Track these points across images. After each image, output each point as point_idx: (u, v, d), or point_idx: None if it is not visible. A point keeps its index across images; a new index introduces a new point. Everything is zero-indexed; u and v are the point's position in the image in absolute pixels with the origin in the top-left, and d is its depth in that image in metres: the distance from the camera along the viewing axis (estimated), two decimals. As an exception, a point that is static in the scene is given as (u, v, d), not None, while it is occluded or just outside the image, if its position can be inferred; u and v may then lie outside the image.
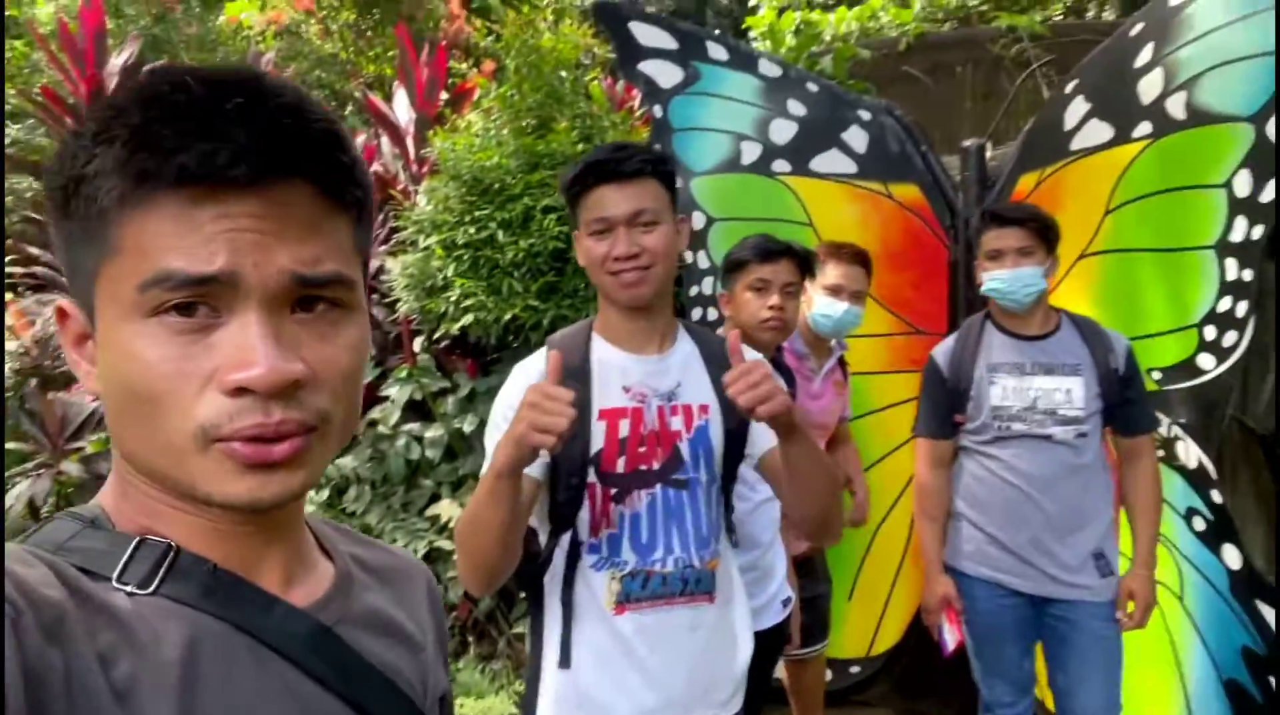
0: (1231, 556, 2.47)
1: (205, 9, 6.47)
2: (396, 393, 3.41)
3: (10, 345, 4.20)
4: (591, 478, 1.49)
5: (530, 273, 3.23)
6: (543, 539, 1.54)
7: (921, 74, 4.30)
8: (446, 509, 3.23)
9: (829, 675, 2.90)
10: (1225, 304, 2.48)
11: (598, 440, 1.50)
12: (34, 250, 4.52)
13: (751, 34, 5.30)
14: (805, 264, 2.26)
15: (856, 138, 3.18)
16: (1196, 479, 2.54)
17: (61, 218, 0.57)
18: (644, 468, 1.51)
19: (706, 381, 1.58)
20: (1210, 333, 2.50)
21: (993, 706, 2.39)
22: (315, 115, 0.57)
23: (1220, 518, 2.50)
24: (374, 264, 3.71)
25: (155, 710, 0.52)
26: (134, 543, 0.57)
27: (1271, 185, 2.41)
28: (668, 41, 3.19)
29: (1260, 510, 2.87)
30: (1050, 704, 2.55)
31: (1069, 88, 2.89)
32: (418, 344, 3.56)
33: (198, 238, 0.53)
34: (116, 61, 4.64)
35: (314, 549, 0.69)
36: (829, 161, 3.19)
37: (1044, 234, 2.29)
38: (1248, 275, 2.45)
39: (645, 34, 3.20)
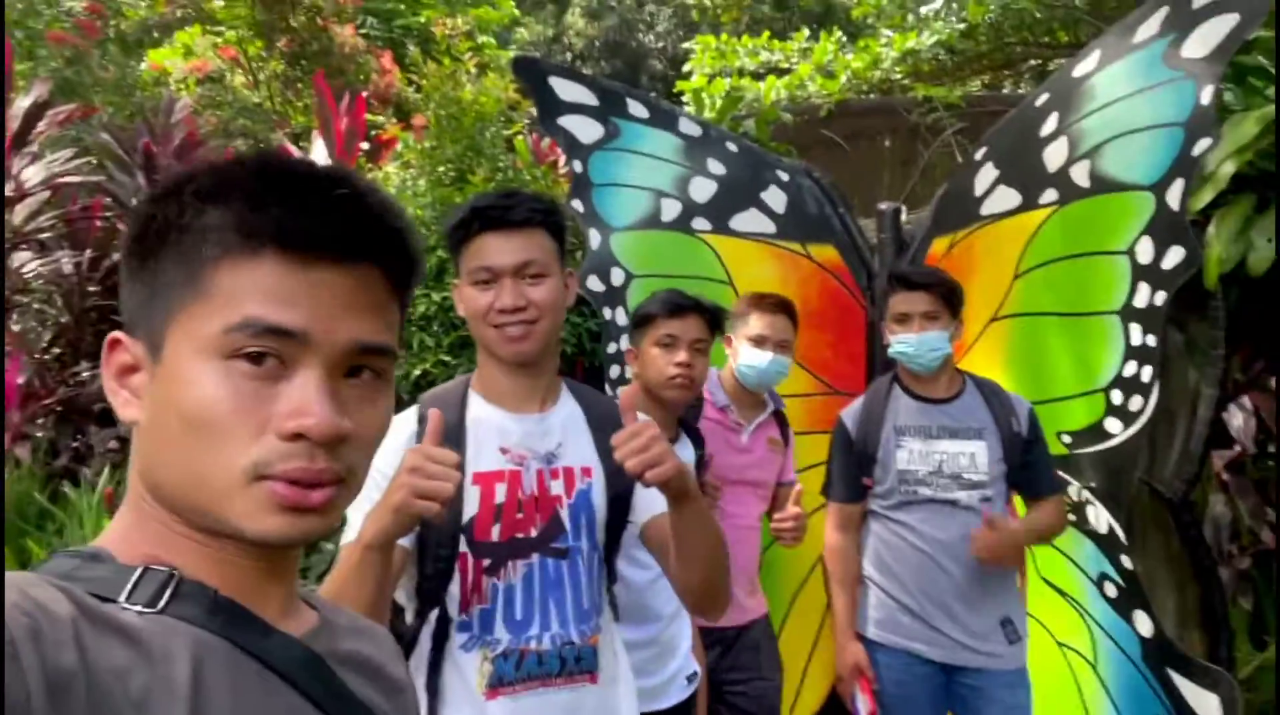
0: (1143, 624, 2.45)
1: (125, 54, 6.32)
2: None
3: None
4: (463, 548, 1.38)
5: (442, 327, 3.14)
6: (408, 617, 1.41)
7: (842, 139, 4.38)
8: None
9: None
10: (1131, 368, 2.50)
11: (471, 506, 1.39)
12: None
13: (684, 98, 5.37)
14: (715, 320, 2.21)
15: (775, 198, 3.19)
16: (1107, 544, 2.53)
17: (146, 259, 0.64)
18: (520, 536, 1.40)
19: (589, 443, 1.49)
20: (1117, 397, 2.52)
21: (907, 780, 2.31)
22: (395, 214, 0.68)
23: (1131, 584, 2.48)
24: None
25: None
26: (139, 570, 0.61)
27: (1172, 252, 2.45)
28: (587, 97, 3.18)
29: (1170, 576, 2.87)
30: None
31: (979, 154, 2.94)
32: (324, 399, 3.42)
33: (285, 295, 0.61)
34: (23, 103, 4.47)
35: (299, 599, 0.73)
36: (748, 220, 3.18)
37: (949, 298, 2.30)
38: (1151, 340, 2.47)
39: (565, 89, 3.18)
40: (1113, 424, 2.52)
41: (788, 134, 4.42)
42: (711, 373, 2.56)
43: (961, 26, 5.12)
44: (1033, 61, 5.95)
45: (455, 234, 1.48)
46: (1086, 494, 2.58)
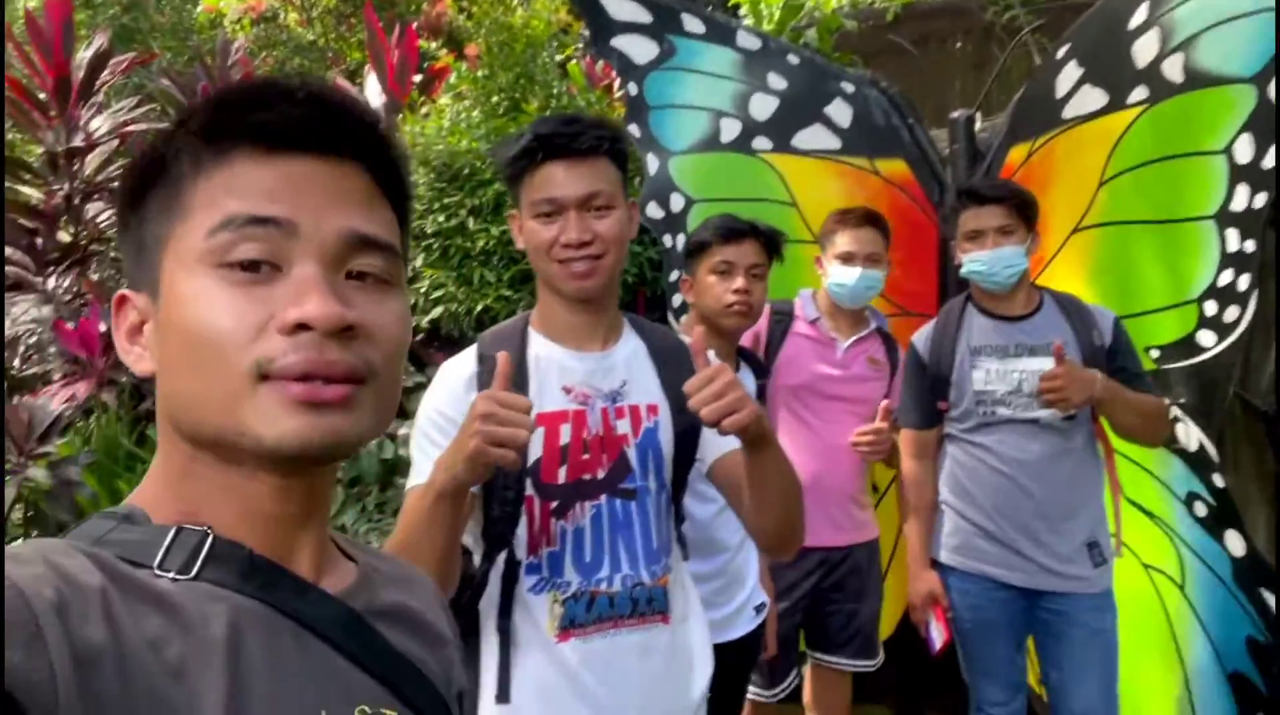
0: (1234, 543, 2.35)
1: (182, -2, 6.33)
2: (369, 388, 3.30)
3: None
4: (529, 491, 1.35)
5: (502, 261, 3.12)
6: (476, 560, 1.39)
7: (910, 45, 4.15)
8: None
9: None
10: (1226, 277, 2.35)
11: (535, 449, 1.35)
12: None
13: (741, 10, 5.15)
14: (771, 244, 2.14)
15: (840, 112, 3.05)
16: (1197, 462, 2.41)
17: (136, 208, 0.63)
18: (587, 477, 1.36)
19: (655, 380, 1.44)
20: (1211, 308, 2.38)
21: (984, 706, 2.28)
22: (371, 117, 0.65)
23: (1222, 503, 2.37)
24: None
25: (210, 689, 0.53)
26: (172, 532, 0.59)
27: (1274, 150, 2.27)
28: (641, 15, 3.06)
29: (1264, 493, 2.75)
30: (1046, 699, 2.45)
31: (1060, 53, 2.75)
32: (391, 337, 3.45)
33: (264, 189, 0.59)
34: (85, 53, 4.52)
35: (335, 549, 0.71)
36: (812, 137, 3.06)
37: (1023, 211, 2.18)
38: (1250, 246, 2.31)
39: (618, 8, 3.06)
40: (1205, 336, 2.38)
41: (851, 42, 4.20)
42: (805, 290, 2.51)
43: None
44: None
45: (516, 163, 1.40)
46: (1176, 411, 2.45)
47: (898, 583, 2.80)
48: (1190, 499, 2.42)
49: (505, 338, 1.43)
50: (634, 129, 3.09)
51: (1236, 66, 2.32)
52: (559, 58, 3.72)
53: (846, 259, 2.36)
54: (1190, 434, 2.43)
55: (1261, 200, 2.29)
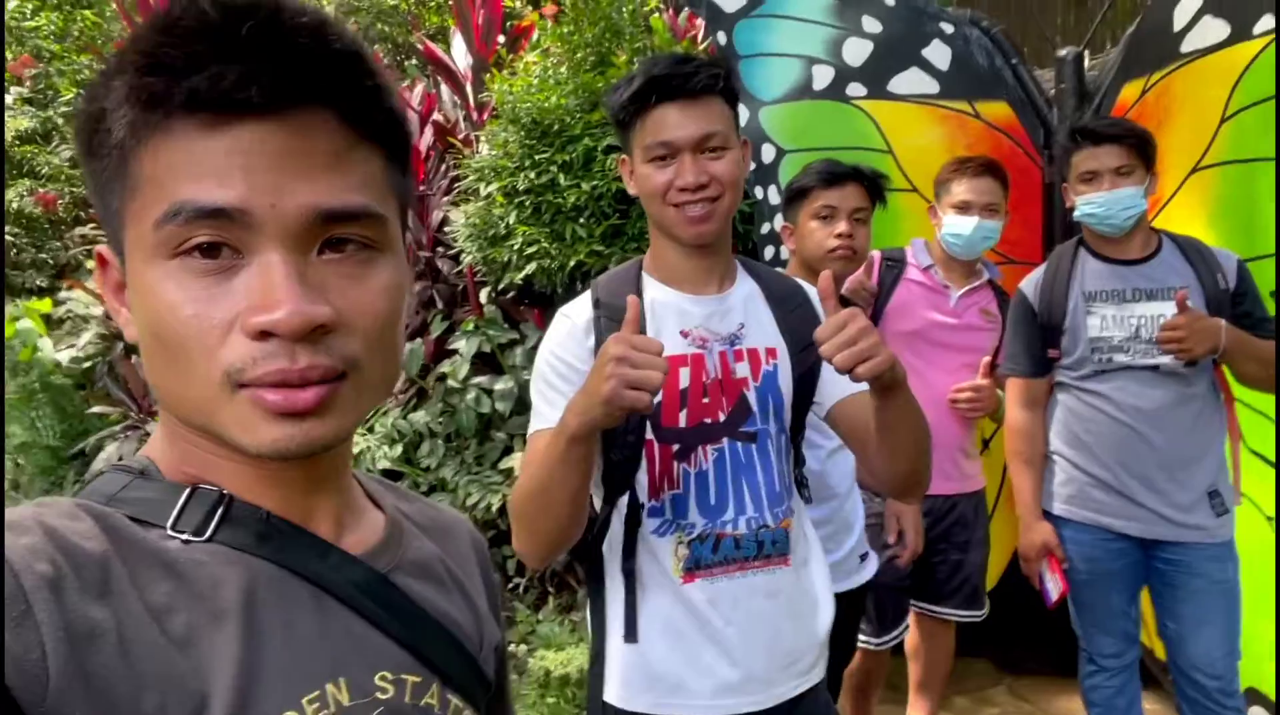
0: (1368, 494, 2.24)
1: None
2: (464, 346, 3.36)
3: (96, 310, 4.30)
4: (649, 435, 1.35)
5: (594, 216, 3.12)
6: (597, 503, 1.40)
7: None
8: (519, 462, 3.18)
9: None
10: (1360, 214, 2.21)
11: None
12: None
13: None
14: (874, 188, 2.10)
15: (939, 54, 2.96)
16: (1328, 410, 2.29)
17: (87, 158, 0.56)
18: (708, 421, 1.36)
19: (772, 322, 1.42)
20: (1344, 246, 2.24)
21: (1096, 659, 2.24)
22: (335, 37, 0.54)
23: (1356, 452, 2.26)
24: (437, 215, 3.65)
25: (219, 656, 0.52)
26: (187, 492, 0.57)
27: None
28: (729, -39, 3.00)
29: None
30: (1160, 653, 2.38)
31: (1178, -17, 2.60)
32: (483, 295, 3.50)
33: (210, 168, 0.51)
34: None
35: (363, 498, 0.69)
36: (909, 82, 2.97)
37: (1143, 150, 2.09)
38: (1389, 181, 2.17)
39: (706, -45, 3.01)
40: (1338, 278, 2.25)
41: (946, -17, 4.05)
42: (918, 239, 2.47)
43: None
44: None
45: (628, 107, 1.36)
46: (1305, 357, 2.33)
47: (1001, 535, 2.75)
48: (1319, 448, 2.31)
49: (620, 283, 1.42)
50: (724, 79, 3.03)
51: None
52: (645, 10, 3.66)
53: (963, 208, 2.31)
54: (1320, 380, 2.31)
55: (1405, 131, 2.14)
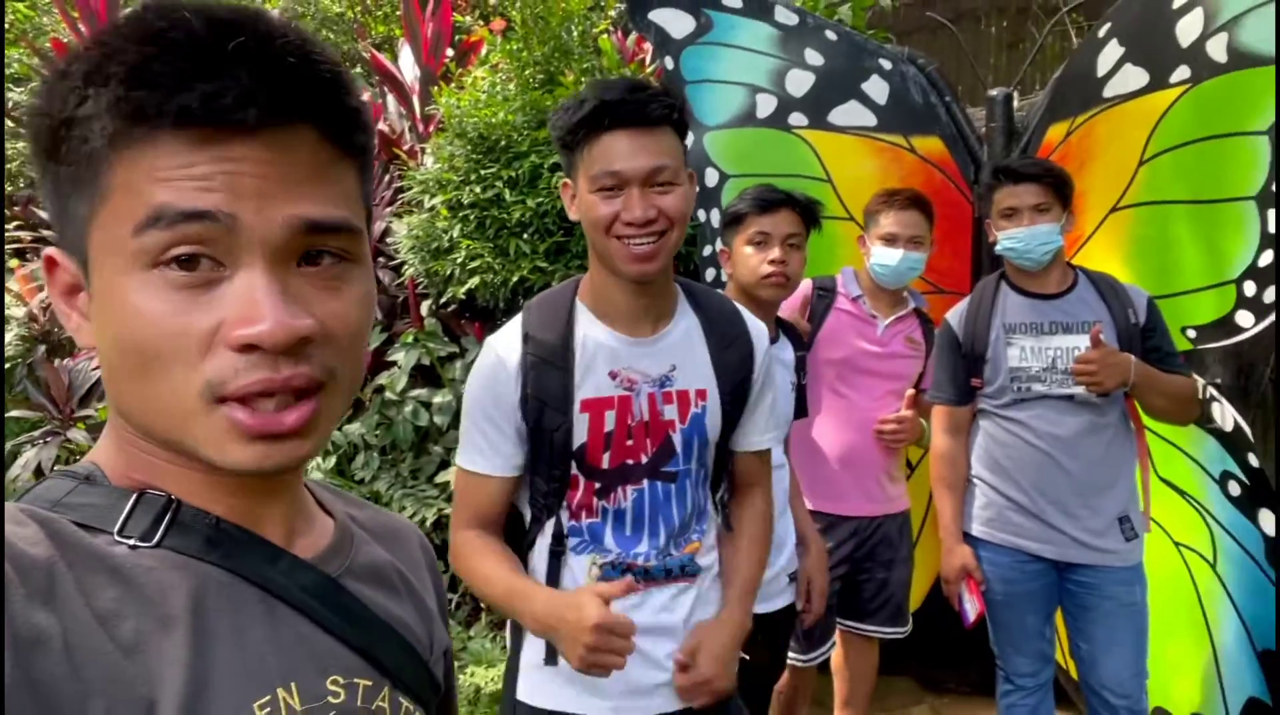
0: (1267, 522, 2.36)
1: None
2: (404, 358, 3.34)
3: (17, 311, 4.16)
4: (575, 471, 1.38)
5: (538, 233, 3.14)
6: (527, 521, 1.45)
7: (946, 22, 4.13)
8: (455, 476, 3.17)
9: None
10: (1266, 258, 2.35)
11: (580, 434, 1.36)
12: (43, 213, 4.47)
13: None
14: (809, 214, 2.15)
15: (877, 88, 3.05)
16: (1232, 442, 2.42)
17: (48, 162, 0.54)
18: (630, 462, 1.39)
19: (706, 361, 1.43)
20: (1250, 288, 2.37)
21: (1012, 678, 2.32)
22: (320, 58, 0.55)
23: (1257, 482, 2.38)
24: (379, 226, 3.63)
25: (168, 663, 0.51)
26: (134, 497, 0.56)
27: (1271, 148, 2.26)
28: (679, -11, 3.06)
29: (1296, 474, 2.75)
30: (1074, 673, 2.48)
31: (1102, 31, 2.73)
32: (425, 308, 3.49)
33: (194, 176, 0.51)
34: (119, 22, 4.55)
35: (313, 504, 0.69)
36: (848, 114, 3.06)
37: (1060, 189, 2.20)
38: (1291, 227, 2.31)
39: (655, -19, 3.07)
40: (1244, 317, 2.39)
41: (886, 20, 4.19)
42: (848, 268, 2.54)
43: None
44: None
45: (577, 130, 1.31)
46: (1212, 391, 2.46)
47: (926, 556, 2.83)
48: (1224, 478, 2.43)
49: (551, 312, 1.39)
50: (670, 103, 3.09)
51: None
52: (594, 31, 3.71)
53: (890, 240, 2.39)
54: (1226, 414, 2.44)
55: (1304, 181, 2.29)
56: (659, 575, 1.41)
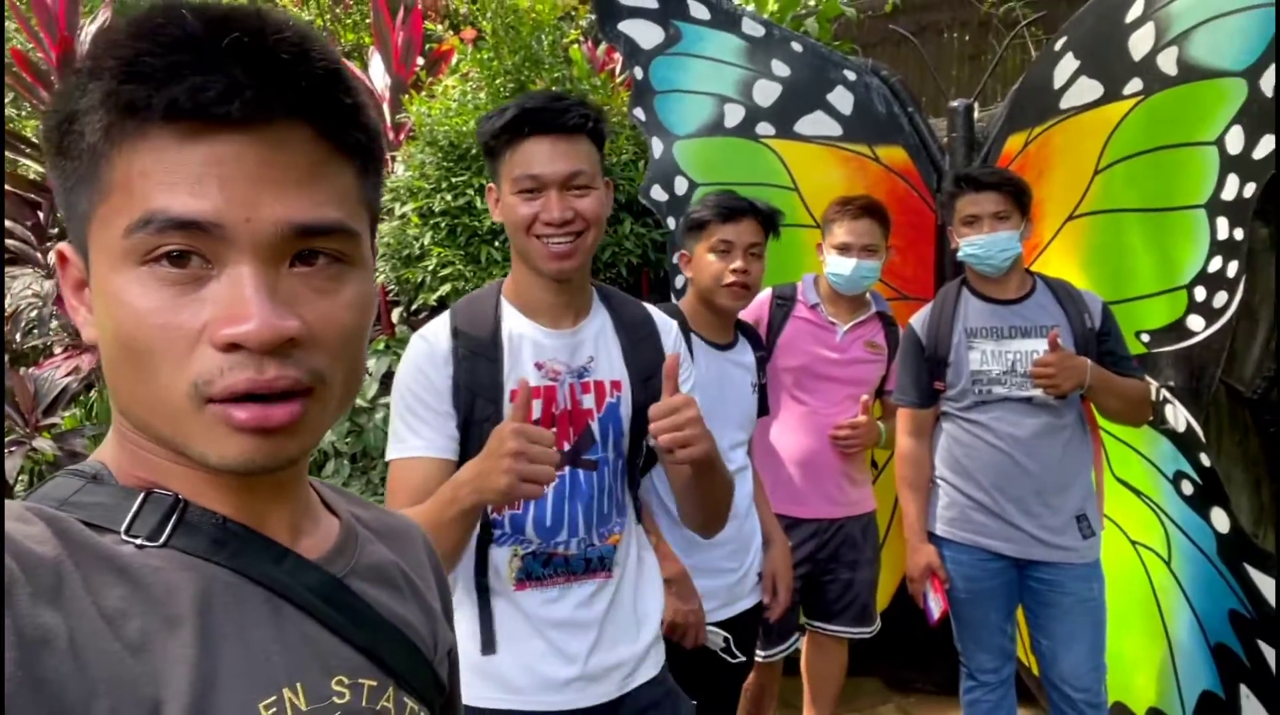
0: (1220, 520, 2.44)
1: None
2: (374, 365, 3.34)
3: (-19, 320, 4.11)
4: None
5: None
6: None
7: (909, 35, 4.22)
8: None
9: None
10: (1216, 264, 2.43)
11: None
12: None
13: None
14: (769, 222, 2.18)
15: (842, 99, 3.12)
16: (1185, 443, 2.50)
17: (57, 157, 0.55)
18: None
19: (619, 355, 1.50)
20: (1200, 293, 2.46)
21: (975, 674, 2.37)
22: (317, 54, 0.54)
23: (1209, 481, 2.46)
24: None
25: (174, 663, 0.51)
26: (141, 496, 0.56)
27: (1264, 142, 2.35)
28: (648, 1, 3.11)
29: (1246, 474, 2.84)
30: (1035, 669, 2.53)
31: (1058, 45, 2.82)
32: (395, 315, 3.50)
33: (185, 176, 0.51)
34: (89, 27, 4.52)
35: (318, 504, 0.68)
36: (814, 123, 3.12)
37: (1019, 197, 2.27)
38: (1239, 234, 2.39)
39: (625, -7, 3.11)
40: (1195, 321, 2.47)
41: (850, 32, 4.27)
42: (808, 275, 2.59)
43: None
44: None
45: (500, 136, 1.40)
46: (1165, 393, 2.54)
47: (893, 557, 2.89)
48: (1178, 477, 2.51)
49: (478, 309, 1.46)
50: (639, 113, 3.14)
51: (1229, 60, 2.40)
52: (565, 41, 3.75)
53: (843, 250, 2.44)
54: (1178, 415, 2.51)
55: (1250, 189, 2.37)
56: (578, 566, 1.44)
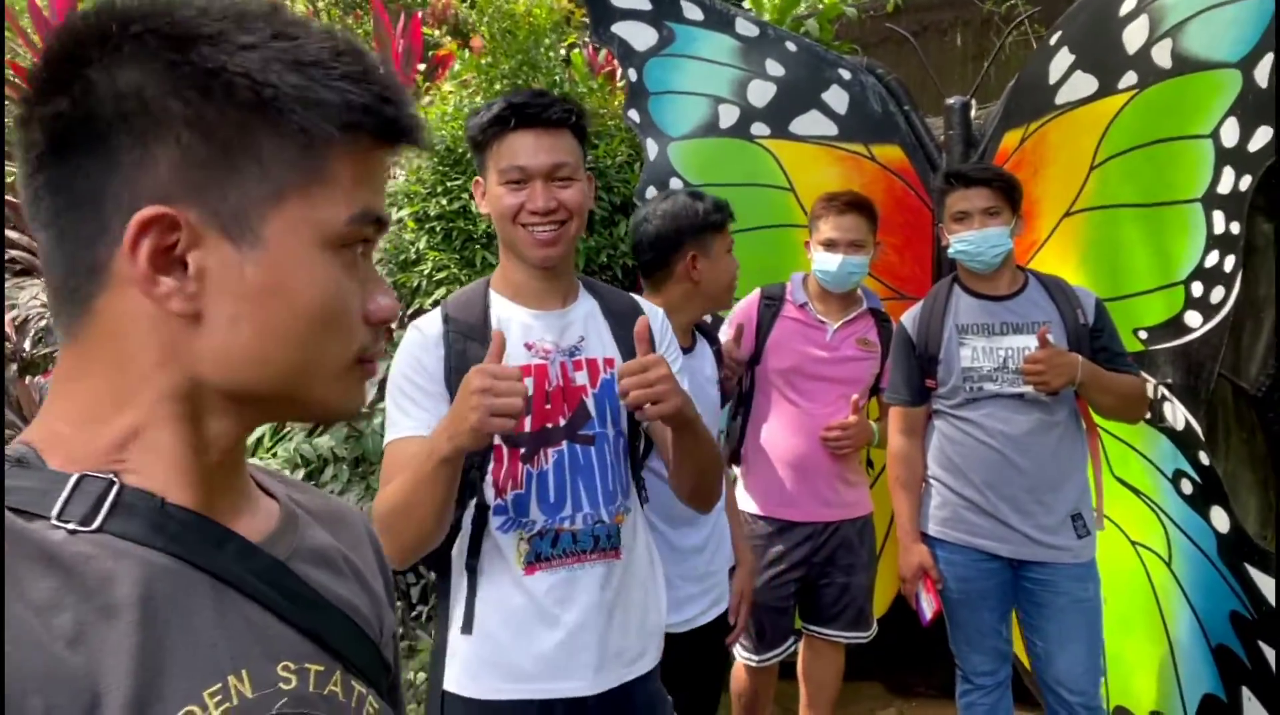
0: (1220, 519, 2.39)
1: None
2: (373, 369, 3.35)
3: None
4: (497, 440, 1.44)
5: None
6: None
7: (910, 35, 4.18)
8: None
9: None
10: (1212, 259, 2.39)
11: None
12: (12, 234, 4.48)
13: (744, 3, 5.18)
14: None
15: (837, 98, 3.10)
16: (1183, 441, 2.45)
17: (205, 115, 0.55)
18: (550, 426, 1.46)
19: (610, 335, 1.54)
20: (1197, 289, 2.41)
21: (971, 677, 2.34)
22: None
23: (1208, 480, 2.41)
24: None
25: (113, 653, 0.50)
26: (74, 480, 0.54)
27: (1260, 133, 2.31)
28: (641, 2, 3.11)
29: (1254, 474, 2.78)
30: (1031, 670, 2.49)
31: (1053, 39, 2.79)
32: (395, 319, 3.50)
33: (377, 184, 0.63)
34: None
35: (255, 488, 0.68)
36: (809, 123, 3.10)
37: (1009, 193, 2.25)
38: (1235, 228, 2.35)
39: (617, -5, 3.11)
40: (1192, 317, 2.42)
41: (852, 32, 4.24)
42: (797, 274, 2.57)
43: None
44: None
45: (487, 130, 1.47)
46: (1163, 390, 2.50)
47: (893, 560, 2.85)
48: (1177, 476, 2.46)
49: (468, 301, 1.52)
50: (634, 114, 3.13)
51: (1223, 52, 2.36)
52: (563, 45, 3.75)
53: (829, 246, 2.42)
54: (1177, 413, 2.47)
55: (1246, 182, 2.33)
56: (587, 543, 1.45)
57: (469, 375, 1.24)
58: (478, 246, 3.17)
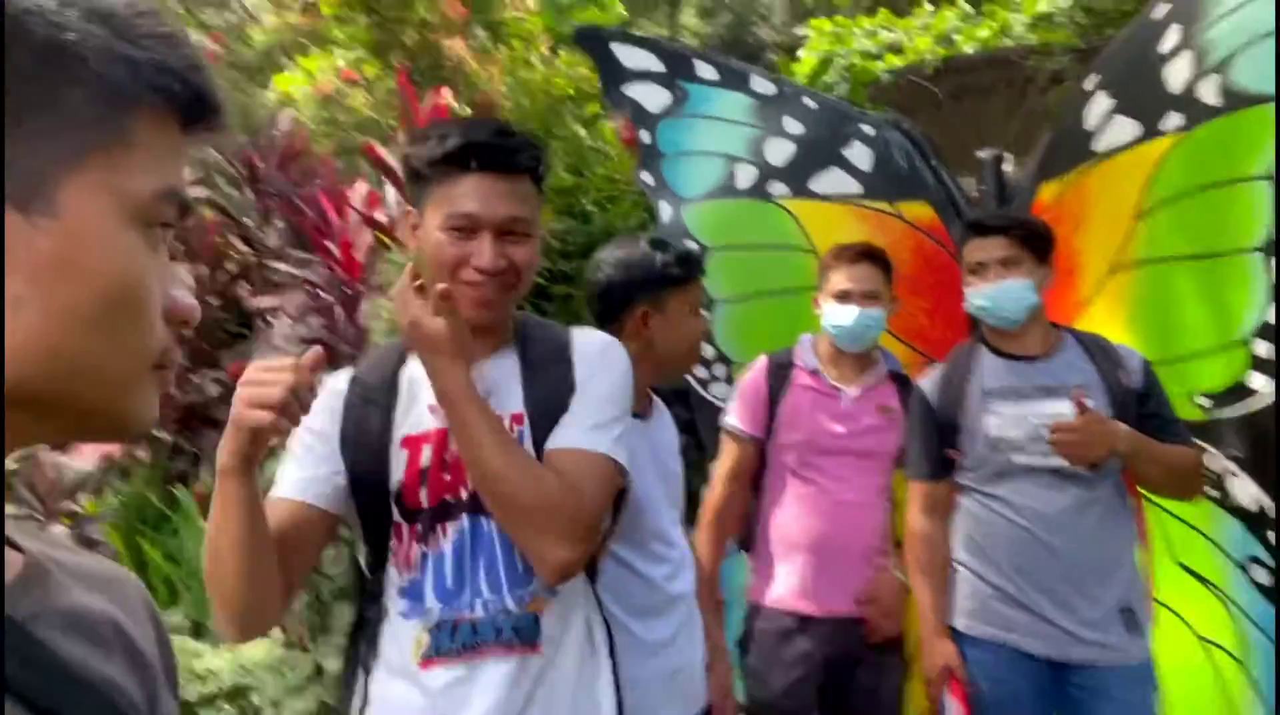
0: (1304, 614, 2.05)
1: (249, 80, 6.64)
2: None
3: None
4: (397, 517, 1.28)
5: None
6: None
7: (950, 98, 4.03)
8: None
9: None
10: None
11: (397, 472, 1.28)
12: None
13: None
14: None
15: (860, 154, 2.93)
16: (1255, 522, 2.13)
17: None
18: (449, 498, 1.28)
19: (519, 392, 1.32)
20: (1262, 348, 2.13)
21: (1007, 797, 2.00)
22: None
23: (1286, 567, 2.08)
24: (365, 307, 3.59)
25: None
26: None
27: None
28: (653, 63, 3.03)
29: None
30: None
31: (1089, 84, 2.58)
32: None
33: (183, 167, 0.57)
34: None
35: None
36: (831, 181, 2.94)
37: (1030, 242, 2.02)
38: (1302, 278, 2.08)
39: (629, 56, 3.05)
40: (1257, 380, 2.13)
41: (888, 96, 4.11)
42: (805, 337, 2.36)
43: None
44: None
45: (436, 165, 1.26)
46: (1229, 465, 2.19)
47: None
48: (1249, 563, 2.13)
49: (380, 361, 1.39)
50: (647, 177, 3.04)
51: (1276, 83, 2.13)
52: (584, 113, 3.71)
53: (843, 297, 2.21)
54: (1246, 491, 2.16)
55: (1312, 226, 2.06)
56: (488, 635, 1.24)
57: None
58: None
